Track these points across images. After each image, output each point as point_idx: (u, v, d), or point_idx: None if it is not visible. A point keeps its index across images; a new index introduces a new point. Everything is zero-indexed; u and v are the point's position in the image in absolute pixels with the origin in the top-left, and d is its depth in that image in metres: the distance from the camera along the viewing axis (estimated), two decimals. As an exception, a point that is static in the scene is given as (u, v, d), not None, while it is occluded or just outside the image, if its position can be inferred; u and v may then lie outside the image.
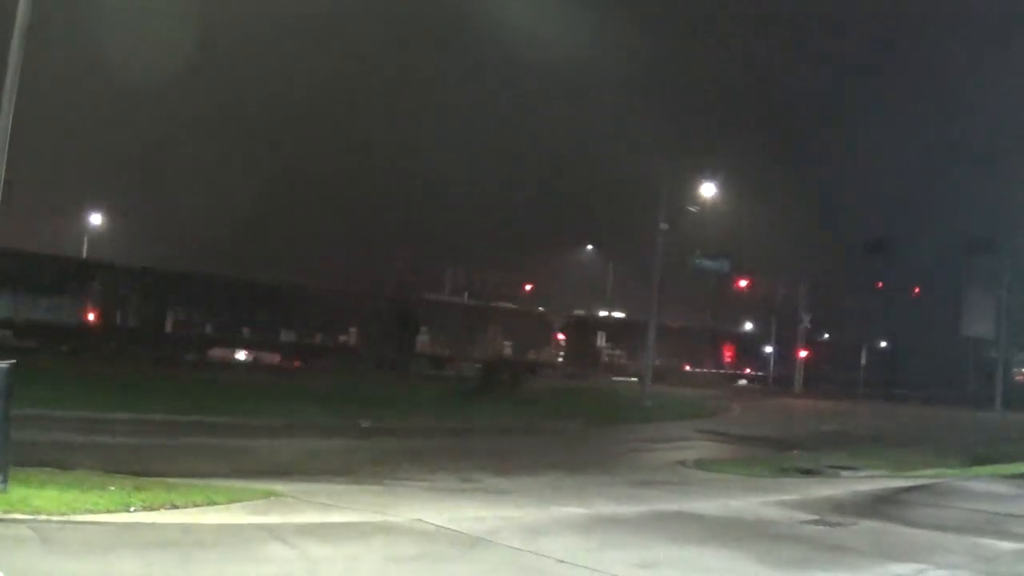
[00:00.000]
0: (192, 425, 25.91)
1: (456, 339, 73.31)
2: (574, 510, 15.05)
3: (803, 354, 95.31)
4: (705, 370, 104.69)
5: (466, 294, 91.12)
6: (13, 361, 12.61)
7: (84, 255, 78.15)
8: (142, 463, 17.50)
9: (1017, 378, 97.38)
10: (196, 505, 13.02)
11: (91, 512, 11.91)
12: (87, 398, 28.26)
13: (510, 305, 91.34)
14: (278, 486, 15.41)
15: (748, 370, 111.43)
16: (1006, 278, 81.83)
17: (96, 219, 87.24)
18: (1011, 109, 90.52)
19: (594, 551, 11.96)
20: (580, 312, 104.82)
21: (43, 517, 11.35)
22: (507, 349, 77.01)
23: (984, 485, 20.96)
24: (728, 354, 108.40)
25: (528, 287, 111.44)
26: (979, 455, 27.56)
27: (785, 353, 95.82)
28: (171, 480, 15.20)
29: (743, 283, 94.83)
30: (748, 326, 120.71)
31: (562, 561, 11.29)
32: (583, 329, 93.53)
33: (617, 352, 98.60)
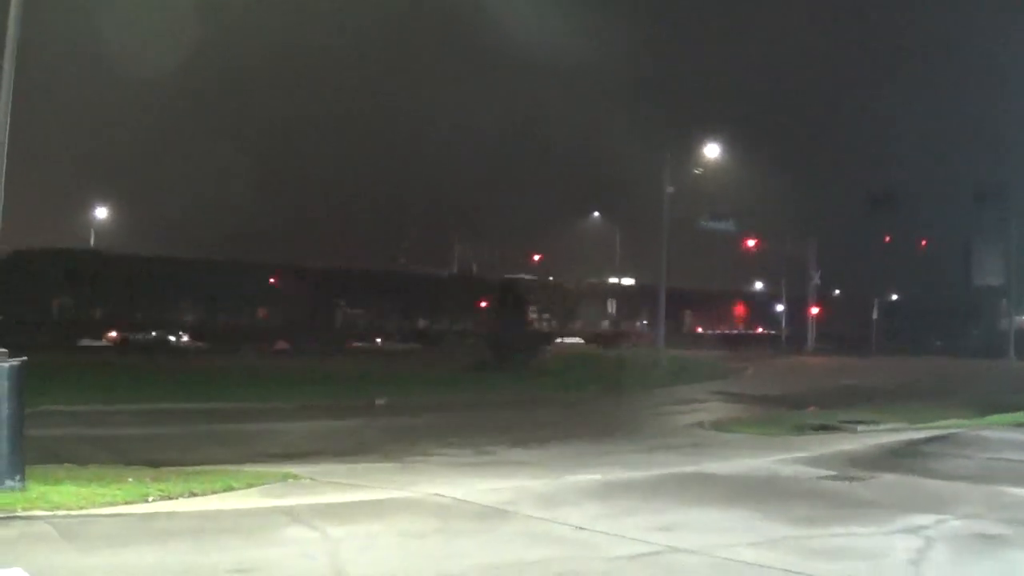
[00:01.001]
0: (210, 412, 25.95)
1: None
2: (591, 477, 15.04)
3: (814, 311, 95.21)
4: (718, 331, 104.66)
5: (474, 267, 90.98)
6: (24, 358, 12.60)
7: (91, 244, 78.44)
8: (159, 453, 17.54)
9: None
10: (214, 492, 13.03)
11: (110, 505, 11.90)
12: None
13: (528, 277, 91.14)
14: (296, 468, 15.44)
15: (760, 330, 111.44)
16: (1014, 227, 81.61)
17: (101, 212, 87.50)
18: (1017, 58, 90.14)
19: (612, 517, 11.95)
20: (592, 280, 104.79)
21: (62, 512, 11.34)
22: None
23: (1001, 434, 20.93)
24: (740, 315, 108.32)
25: (537, 257, 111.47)
26: (995, 404, 27.50)
27: (796, 311, 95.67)
28: (189, 468, 15.24)
29: (751, 243, 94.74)
30: (759, 286, 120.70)
31: (580, 528, 11.28)
32: (593, 297, 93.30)
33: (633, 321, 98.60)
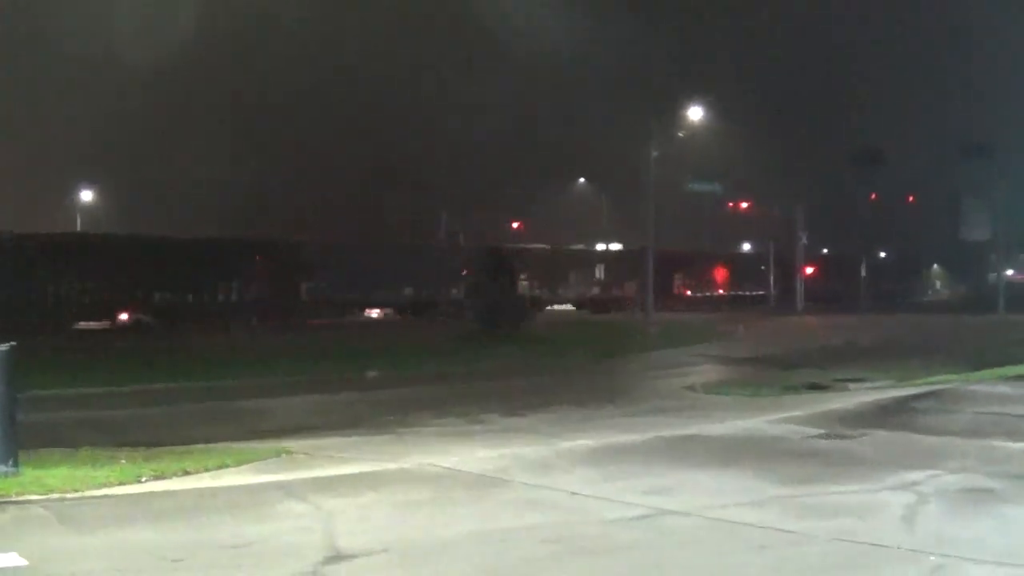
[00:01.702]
0: (200, 391, 25.92)
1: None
2: (583, 442, 15.08)
3: (804, 271, 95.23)
4: (707, 294, 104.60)
5: (460, 236, 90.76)
6: (13, 343, 12.61)
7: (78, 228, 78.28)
8: (152, 434, 17.54)
9: (1017, 279, 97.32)
10: (208, 470, 13.05)
11: (104, 486, 11.93)
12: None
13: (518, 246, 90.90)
14: (289, 443, 15.48)
15: (749, 291, 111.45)
16: (1001, 181, 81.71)
17: (87, 195, 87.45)
18: (1003, 12, 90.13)
19: (605, 481, 12.01)
20: (580, 246, 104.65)
21: (56, 496, 11.37)
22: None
23: (991, 388, 20.98)
24: (728, 277, 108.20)
25: (516, 224, 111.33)
26: (985, 359, 27.61)
27: (786, 272, 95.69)
28: (181, 448, 15.29)
29: (743, 205, 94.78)
30: (747, 247, 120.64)
31: (574, 493, 11.34)
32: (582, 263, 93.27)
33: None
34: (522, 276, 71.70)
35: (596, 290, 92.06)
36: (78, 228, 79.23)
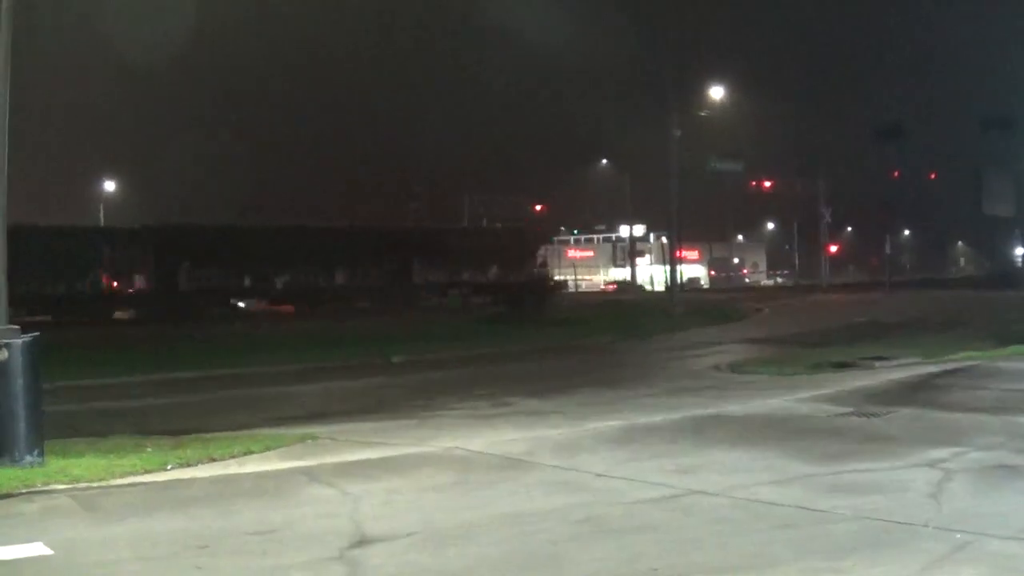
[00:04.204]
0: (225, 379, 26.00)
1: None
2: (610, 423, 15.07)
3: (829, 249, 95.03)
4: (731, 274, 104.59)
5: (484, 221, 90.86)
6: (37, 333, 12.66)
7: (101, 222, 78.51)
8: (176, 422, 17.58)
9: None
10: (233, 456, 13.08)
11: (130, 475, 11.96)
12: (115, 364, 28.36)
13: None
14: (314, 429, 15.49)
15: (774, 270, 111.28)
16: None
17: (110, 186, 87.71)
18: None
19: (632, 461, 12.01)
20: (601, 227, 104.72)
21: (82, 485, 11.42)
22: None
23: (1018, 364, 20.92)
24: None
25: (538, 208, 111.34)
26: (1011, 335, 27.43)
27: (809, 250, 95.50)
28: (207, 435, 15.28)
29: (766, 184, 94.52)
30: (770, 226, 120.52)
31: (600, 475, 11.33)
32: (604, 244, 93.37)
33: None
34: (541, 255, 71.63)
35: (619, 270, 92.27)
36: (102, 219, 79.49)
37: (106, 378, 25.41)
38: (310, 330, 43.77)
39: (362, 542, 8.75)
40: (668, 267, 61.67)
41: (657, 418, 15.51)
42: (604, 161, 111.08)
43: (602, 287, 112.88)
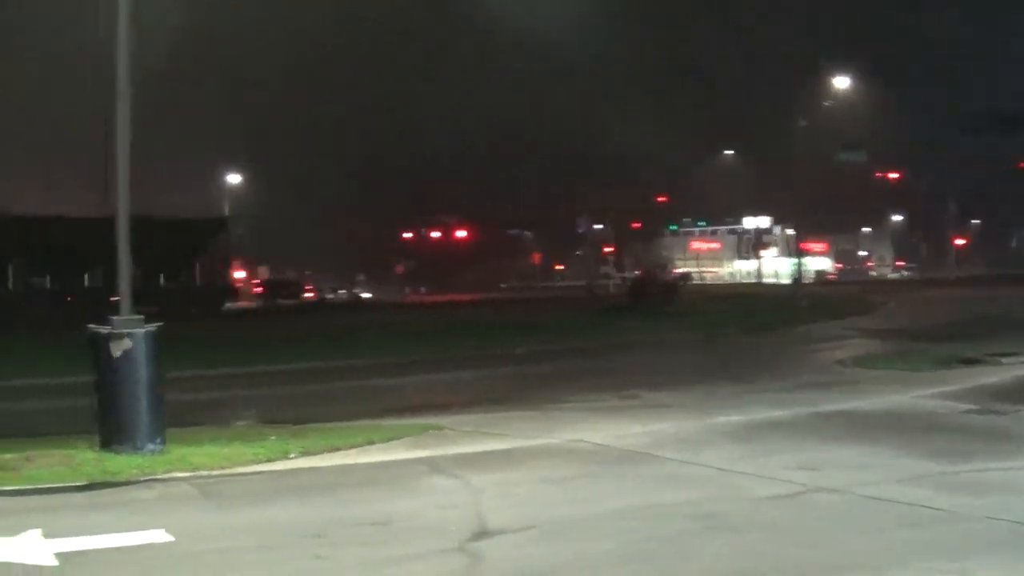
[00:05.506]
0: (342, 370, 26.23)
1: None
2: (733, 418, 14.97)
3: (955, 242, 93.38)
4: (856, 266, 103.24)
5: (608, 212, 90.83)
6: (160, 324, 12.93)
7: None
8: (294, 411, 17.78)
9: None
10: (355, 446, 13.16)
11: (250, 463, 12.13)
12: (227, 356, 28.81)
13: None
14: (434, 419, 15.57)
15: (900, 263, 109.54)
16: None
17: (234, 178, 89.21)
18: None
19: (755, 457, 11.93)
20: (729, 220, 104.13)
21: (203, 473, 11.60)
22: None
23: None
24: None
25: (661, 199, 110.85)
26: None
27: (936, 242, 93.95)
28: (328, 425, 15.45)
29: (892, 175, 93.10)
30: (897, 218, 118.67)
31: (722, 470, 11.29)
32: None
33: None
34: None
35: (742, 263, 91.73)
36: (226, 212, 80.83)
37: (220, 368, 25.85)
38: (443, 319, 44.05)
39: (482, 534, 8.78)
40: (793, 259, 61.07)
41: (781, 413, 15.37)
42: (730, 152, 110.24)
43: (726, 280, 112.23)
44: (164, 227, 55.49)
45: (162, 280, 57.35)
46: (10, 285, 61.35)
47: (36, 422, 16.50)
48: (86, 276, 61.35)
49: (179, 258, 56.60)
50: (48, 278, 62.86)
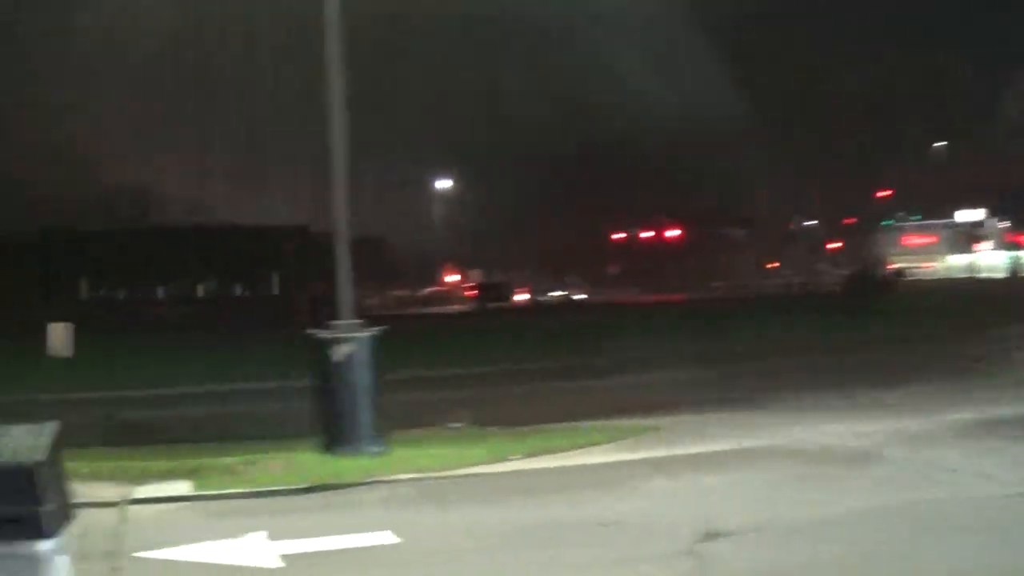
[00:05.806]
0: (553, 371, 26.19)
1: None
2: (960, 416, 14.56)
3: None
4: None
5: (795, 217, 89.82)
6: (385, 327, 13.14)
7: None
8: (507, 412, 17.75)
9: None
10: (577, 447, 13.21)
11: (473, 465, 12.24)
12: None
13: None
14: (656, 420, 15.49)
15: None
16: None
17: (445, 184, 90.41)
18: None
19: (984, 456, 11.58)
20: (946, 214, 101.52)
21: (426, 474, 11.75)
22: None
23: None
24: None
25: (882, 194, 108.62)
26: None
27: None
28: (549, 426, 15.44)
29: None
30: None
31: (950, 470, 11.01)
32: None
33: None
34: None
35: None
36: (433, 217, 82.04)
37: (436, 369, 26.10)
38: (654, 318, 43.95)
39: (710, 535, 8.66)
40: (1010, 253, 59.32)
41: (1010, 411, 14.91)
42: (942, 143, 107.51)
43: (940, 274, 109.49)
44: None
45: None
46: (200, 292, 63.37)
47: (244, 426, 16.61)
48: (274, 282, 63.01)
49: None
50: (238, 286, 64.63)
